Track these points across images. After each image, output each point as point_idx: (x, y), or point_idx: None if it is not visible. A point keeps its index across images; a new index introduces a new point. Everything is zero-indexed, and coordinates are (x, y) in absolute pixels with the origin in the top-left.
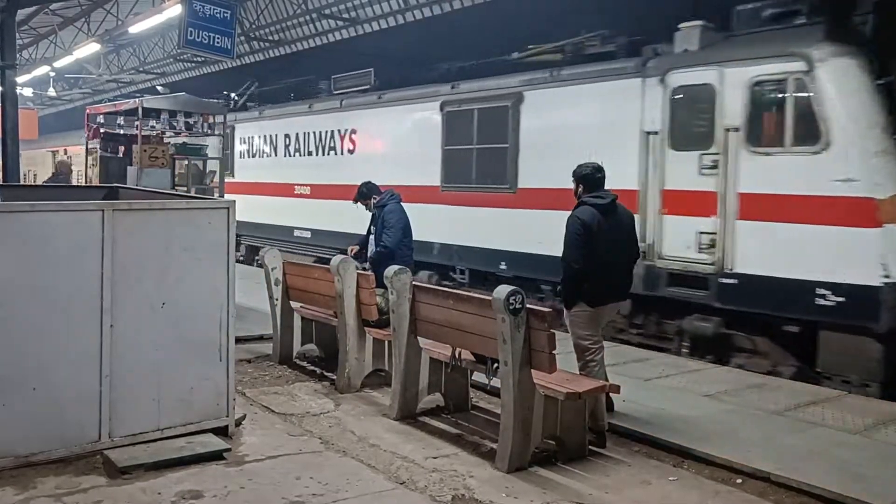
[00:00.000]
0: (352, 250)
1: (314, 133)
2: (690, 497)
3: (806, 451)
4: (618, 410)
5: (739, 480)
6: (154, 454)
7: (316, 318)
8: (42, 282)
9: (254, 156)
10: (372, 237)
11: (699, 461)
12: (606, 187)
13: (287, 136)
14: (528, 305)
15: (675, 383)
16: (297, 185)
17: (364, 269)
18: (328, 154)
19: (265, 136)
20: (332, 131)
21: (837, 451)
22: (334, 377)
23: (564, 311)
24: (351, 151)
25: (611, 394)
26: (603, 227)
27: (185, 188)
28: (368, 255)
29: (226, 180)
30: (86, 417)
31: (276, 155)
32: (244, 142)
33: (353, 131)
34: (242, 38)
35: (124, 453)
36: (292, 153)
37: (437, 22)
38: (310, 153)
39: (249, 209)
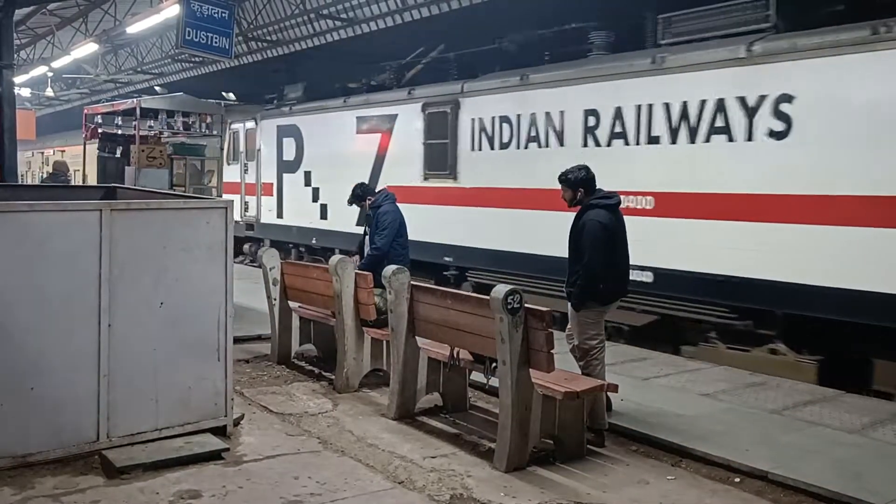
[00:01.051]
0: (354, 259)
1: (673, 105)
2: (688, 496)
3: (803, 449)
4: (616, 410)
5: (737, 479)
6: (152, 454)
7: (314, 318)
8: (40, 281)
9: (507, 145)
10: (367, 238)
11: (697, 460)
12: None
13: (594, 112)
14: (526, 305)
15: (673, 382)
16: (636, 193)
17: None
18: (708, 139)
19: (541, 116)
20: (722, 101)
21: (834, 449)
22: (332, 377)
23: (572, 314)
24: (781, 134)
25: (609, 393)
26: (616, 227)
27: (182, 188)
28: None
29: (442, 184)
30: (84, 417)
31: (565, 144)
32: (484, 126)
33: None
34: (240, 38)
35: (122, 453)
36: (611, 139)
37: (437, 21)
38: (654, 140)
39: (493, 229)
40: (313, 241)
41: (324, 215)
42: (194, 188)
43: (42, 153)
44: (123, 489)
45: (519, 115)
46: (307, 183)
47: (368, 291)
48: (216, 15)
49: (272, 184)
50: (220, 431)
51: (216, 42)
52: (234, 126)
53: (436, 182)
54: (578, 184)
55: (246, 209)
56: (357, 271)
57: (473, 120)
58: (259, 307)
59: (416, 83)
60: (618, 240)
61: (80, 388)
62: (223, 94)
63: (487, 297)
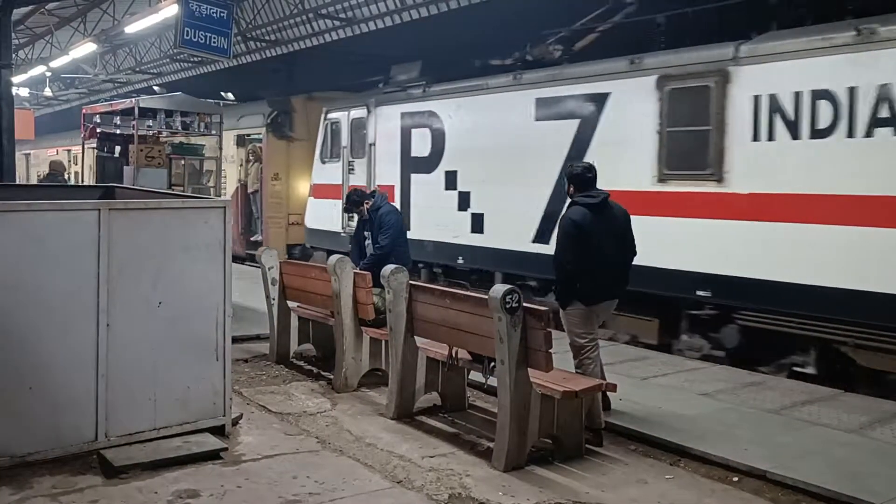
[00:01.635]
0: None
1: None
2: (687, 495)
3: (801, 449)
4: (615, 409)
5: (735, 479)
6: (150, 454)
7: (313, 318)
8: (38, 281)
9: (825, 132)
10: (368, 242)
11: (695, 459)
12: None
13: None
14: (524, 304)
15: (672, 382)
16: None
17: None
18: None
19: None
20: None
21: (833, 449)
22: (331, 377)
23: (560, 311)
24: None
25: (608, 392)
26: (595, 225)
27: (181, 188)
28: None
29: (696, 188)
30: (82, 417)
31: None
32: (780, 105)
33: None
34: (239, 37)
35: (120, 453)
36: None
37: (436, 21)
38: None
39: (796, 252)
40: (459, 261)
41: (477, 228)
42: (193, 188)
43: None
44: (122, 489)
45: (853, 89)
46: (450, 186)
47: (367, 291)
48: (215, 14)
49: (393, 186)
50: (218, 431)
51: (215, 42)
52: (332, 115)
53: (682, 186)
54: (571, 179)
55: (350, 217)
56: (356, 271)
57: (757, 97)
58: (258, 307)
59: (582, 58)
60: (597, 238)
61: (78, 388)
62: (222, 93)
63: (486, 297)
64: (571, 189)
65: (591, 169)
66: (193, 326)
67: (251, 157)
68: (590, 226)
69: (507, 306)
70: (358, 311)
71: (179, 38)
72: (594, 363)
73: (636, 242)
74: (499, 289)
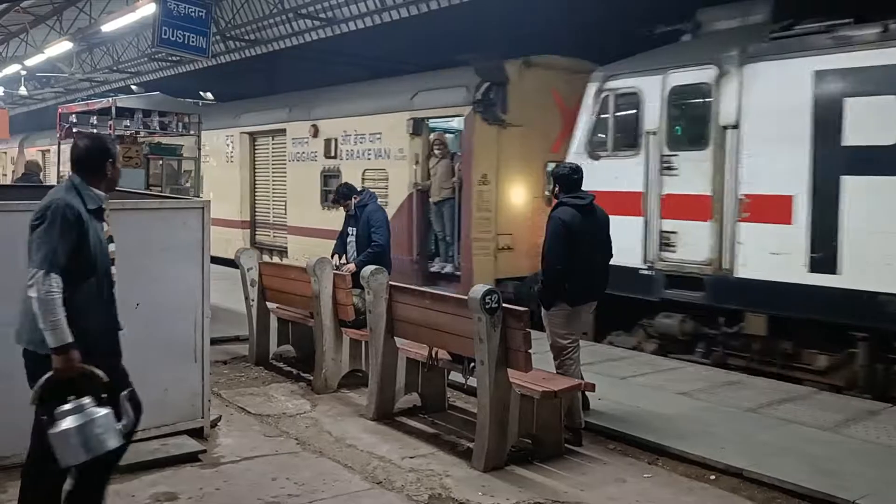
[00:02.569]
0: (347, 268)
1: None
2: (665, 493)
3: (778, 447)
4: (593, 409)
5: (713, 477)
6: (127, 456)
7: (292, 319)
8: (12, 283)
9: None
10: (351, 238)
11: (674, 458)
12: None
13: None
14: (504, 305)
15: (651, 381)
16: None
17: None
18: None
19: None
20: None
21: (809, 447)
22: (311, 378)
23: (542, 312)
24: None
25: (586, 392)
26: (583, 227)
27: (159, 188)
28: (349, 257)
29: None
30: None
31: None
32: None
33: None
34: (218, 37)
35: None
36: None
37: (416, 22)
38: None
39: None
40: None
41: None
42: (171, 188)
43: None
44: None
45: None
46: None
47: (347, 292)
48: (193, 14)
49: (790, 197)
50: (197, 433)
51: (193, 41)
52: (620, 84)
53: None
54: (557, 179)
55: (667, 245)
56: (335, 272)
57: None
58: (237, 308)
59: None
60: (584, 239)
61: None
62: (201, 93)
63: (465, 297)
64: (557, 190)
65: (577, 171)
66: (171, 328)
67: (436, 152)
68: (578, 227)
69: (487, 307)
70: (338, 311)
71: (157, 37)
72: (575, 364)
73: None
74: (478, 289)
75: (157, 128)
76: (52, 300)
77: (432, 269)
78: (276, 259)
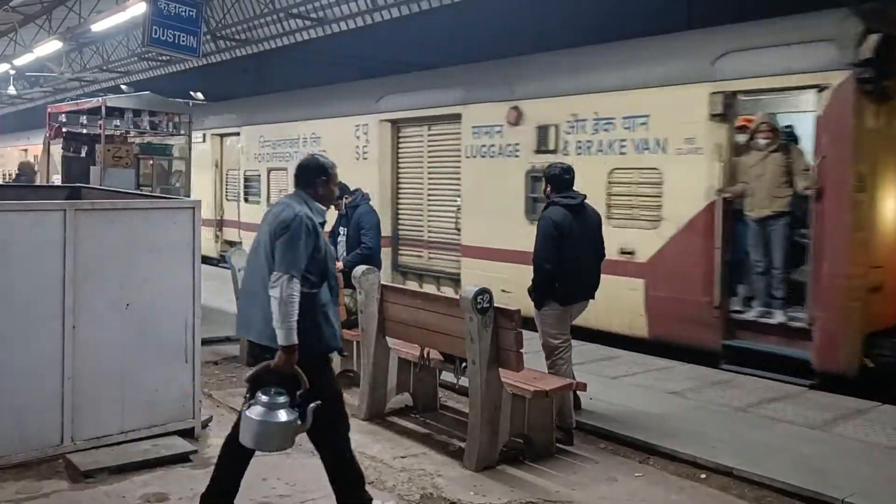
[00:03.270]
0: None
1: None
2: (656, 492)
3: (768, 446)
4: (585, 408)
5: (703, 475)
6: (118, 457)
7: None
8: (2, 282)
9: None
10: (341, 238)
11: (664, 457)
12: None
13: None
14: (495, 304)
15: (641, 381)
16: None
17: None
18: None
19: None
20: None
21: (798, 445)
22: None
23: (535, 311)
24: None
25: (578, 392)
26: (573, 226)
27: (149, 188)
28: (338, 256)
29: None
30: (48, 421)
31: None
32: None
33: None
34: (208, 36)
35: (87, 457)
36: None
37: (407, 22)
38: None
39: None
40: None
41: None
42: (161, 188)
43: None
44: (88, 493)
45: None
46: None
47: (338, 292)
48: (183, 13)
49: None
50: (187, 433)
51: (183, 41)
52: None
53: None
54: (548, 180)
55: None
56: None
57: None
58: (228, 308)
59: None
60: (574, 239)
61: (43, 391)
62: (191, 93)
63: (457, 297)
64: (549, 190)
65: (569, 170)
66: (162, 328)
67: (760, 143)
68: (569, 227)
69: (479, 306)
70: None
71: (147, 36)
72: (566, 363)
73: None
74: (470, 289)
75: (148, 127)
76: (292, 302)
77: (744, 317)
78: (430, 288)
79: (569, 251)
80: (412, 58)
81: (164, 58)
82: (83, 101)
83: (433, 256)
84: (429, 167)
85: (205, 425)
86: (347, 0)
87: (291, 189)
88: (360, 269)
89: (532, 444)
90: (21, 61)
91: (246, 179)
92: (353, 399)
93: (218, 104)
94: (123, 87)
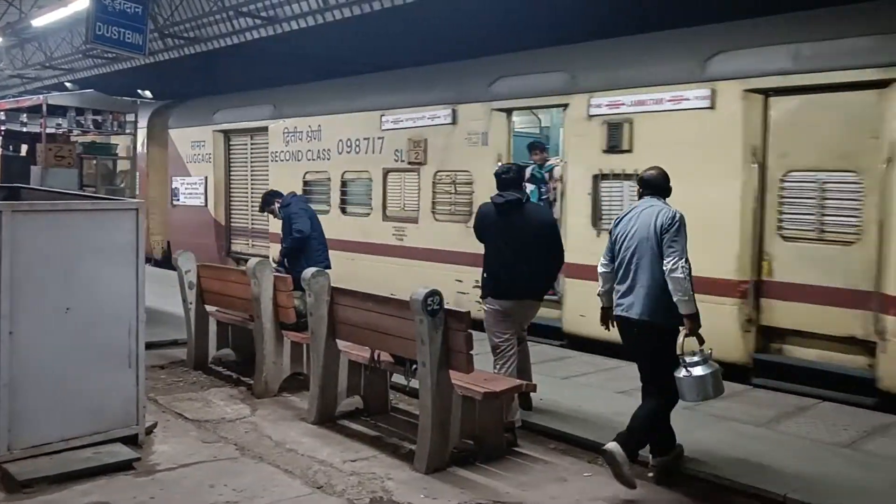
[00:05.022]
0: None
1: None
2: (605, 491)
3: (714, 443)
4: (536, 408)
5: (651, 474)
6: (58, 466)
7: (232, 322)
8: None
9: None
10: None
11: None
12: None
13: None
14: (446, 306)
15: (592, 381)
16: None
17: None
18: None
19: None
20: None
21: (743, 442)
22: (251, 382)
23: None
24: None
25: (529, 392)
26: (498, 224)
27: (93, 189)
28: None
29: None
30: None
31: None
32: None
33: None
34: (156, 34)
35: (26, 466)
36: None
37: (357, 23)
38: None
39: None
40: None
41: None
42: (106, 189)
43: None
44: None
45: None
46: None
47: (288, 294)
48: (129, 10)
49: None
50: (131, 440)
51: (129, 38)
52: None
53: None
54: (496, 178)
55: None
56: (276, 274)
57: None
58: (175, 311)
59: None
60: (499, 237)
61: None
62: (139, 91)
63: (408, 300)
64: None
65: (508, 170)
66: (105, 333)
67: None
68: (490, 224)
69: (429, 309)
70: (278, 314)
71: (91, 33)
72: (509, 362)
73: None
74: (421, 291)
75: (91, 126)
76: (690, 279)
77: None
78: None
79: (491, 247)
80: (365, 58)
81: (109, 55)
82: (24, 99)
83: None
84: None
85: (149, 431)
86: None
87: None
88: (309, 271)
89: (483, 445)
90: None
91: None
92: (302, 402)
93: None
94: (68, 84)
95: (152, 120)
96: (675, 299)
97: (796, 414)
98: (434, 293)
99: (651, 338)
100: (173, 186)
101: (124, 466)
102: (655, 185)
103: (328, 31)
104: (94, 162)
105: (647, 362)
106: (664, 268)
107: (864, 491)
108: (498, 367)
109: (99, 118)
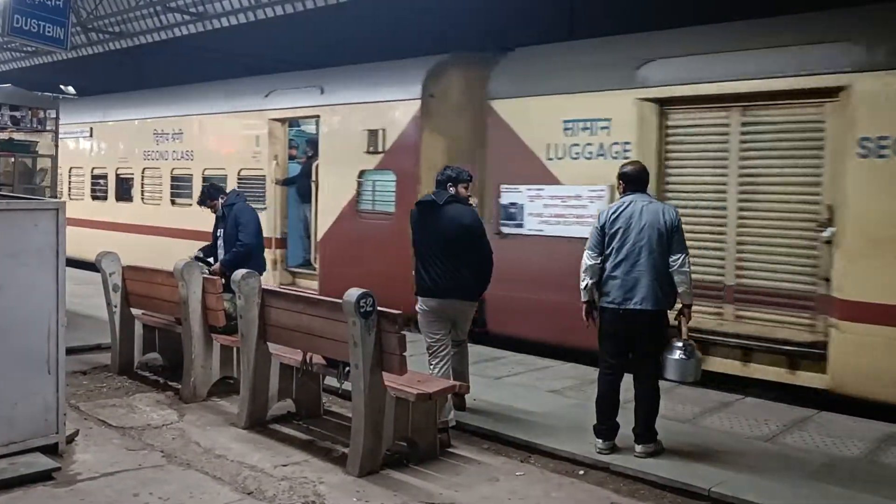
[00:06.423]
0: (214, 271)
1: None
2: (536, 490)
3: None
4: (469, 408)
5: (581, 472)
6: None
7: (159, 325)
8: None
9: None
10: (220, 241)
11: (545, 455)
12: None
13: None
14: (378, 308)
15: (524, 380)
16: None
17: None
18: None
19: None
20: None
21: (670, 438)
22: (179, 387)
23: None
24: None
25: (462, 393)
26: (420, 223)
27: (10, 188)
28: (219, 258)
29: None
30: None
31: None
32: None
33: None
34: (79, 28)
35: None
36: None
37: (289, 21)
38: None
39: None
40: None
41: None
42: (24, 188)
43: None
44: None
45: None
46: None
47: (217, 297)
48: (49, 2)
49: None
50: (51, 450)
51: (49, 31)
52: None
53: None
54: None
55: None
56: (205, 276)
57: None
58: (99, 315)
59: None
60: (421, 235)
61: None
62: (62, 87)
63: (340, 301)
64: None
65: (442, 172)
66: (21, 338)
67: None
68: (414, 223)
69: (362, 310)
70: (207, 317)
71: (8, 25)
72: (443, 363)
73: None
74: (353, 293)
75: (9, 123)
76: (691, 272)
77: None
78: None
79: (416, 245)
80: (299, 57)
81: (28, 48)
82: None
83: None
84: None
85: (70, 440)
86: None
87: None
88: (239, 272)
89: (416, 447)
90: None
91: None
92: (232, 407)
93: None
94: None
95: (436, 81)
96: (680, 290)
97: (719, 409)
98: (367, 295)
99: (658, 324)
100: (505, 202)
101: (43, 477)
102: (638, 180)
103: (254, 30)
104: (12, 160)
105: (651, 346)
106: (672, 262)
107: (784, 483)
108: (432, 367)
109: (17, 114)
